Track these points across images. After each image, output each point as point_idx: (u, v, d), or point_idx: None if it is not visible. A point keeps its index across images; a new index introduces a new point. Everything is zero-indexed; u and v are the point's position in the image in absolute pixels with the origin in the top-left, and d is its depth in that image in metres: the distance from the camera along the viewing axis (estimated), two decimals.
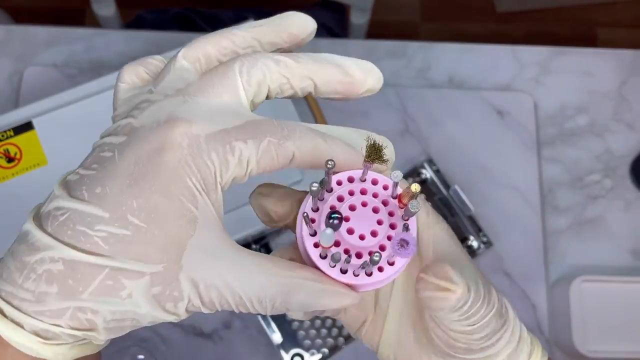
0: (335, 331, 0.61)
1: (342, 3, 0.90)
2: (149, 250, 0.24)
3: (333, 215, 0.25)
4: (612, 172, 0.70)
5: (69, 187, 0.26)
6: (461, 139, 0.69)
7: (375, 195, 0.27)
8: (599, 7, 1.46)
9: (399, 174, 0.25)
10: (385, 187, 0.27)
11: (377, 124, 0.69)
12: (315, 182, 0.25)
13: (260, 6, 0.97)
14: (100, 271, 0.24)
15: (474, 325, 0.28)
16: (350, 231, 0.26)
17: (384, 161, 0.25)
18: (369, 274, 0.27)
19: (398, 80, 0.72)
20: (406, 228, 0.26)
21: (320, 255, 0.27)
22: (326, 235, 0.24)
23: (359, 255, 0.26)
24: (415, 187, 0.25)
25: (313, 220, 0.27)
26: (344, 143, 0.27)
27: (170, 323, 0.68)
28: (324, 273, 0.27)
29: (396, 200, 0.27)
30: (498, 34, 1.45)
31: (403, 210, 0.26)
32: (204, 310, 0.25)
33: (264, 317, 0.61)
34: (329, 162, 0.25)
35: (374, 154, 0.25)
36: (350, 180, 0.27)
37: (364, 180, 0.27)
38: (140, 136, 0.25)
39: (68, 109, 0.51)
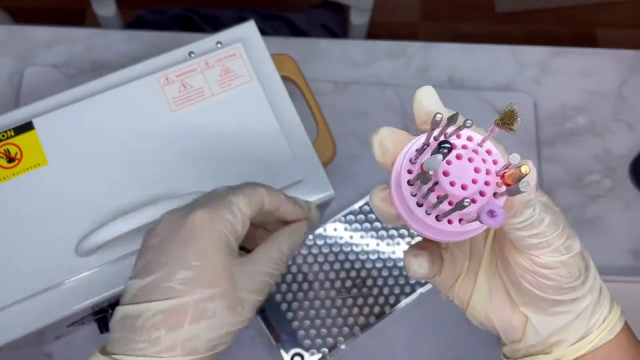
0: (335, 331, 0.62)
1: (342, 3, 0.90)
2: (211, 279, 0.36)
3: (444, 145, 0.26)
4: (612, 172, 0.70)
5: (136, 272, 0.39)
6: None
7: (483, 161, 0.28)
8: (599, 7, 1.46)
9: (517, 157, 0.26)
10: (494, 162, 0.29)
11: (377, 124, 0.69)
12: (440, 113, 0.27)
13: (260, 6, 0.98)
14: (188, 305, 0.35)
15: (562, 255, 0.31)
16: (445, 173, 0.27)
17: (512, 130, 0.27)
18: (462, 223, 0.28)
19: (398, 81, 0.72)
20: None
21: (418, 204, 0.28)
22: (435, 159, 0.26)
23: (451, 204, 0.28)
24: (526, 169, 0.26)
25: (410, 172, 0.29)
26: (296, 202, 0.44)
27: None
28: (416, 217, 0.28)
29: (499, 178, 0.28)
30: (498, 34, 1.45)
31: (505, 188, 0.27)
32: (260, 298, 0.38)
33: (264, 317, 0.61)
34: (438, 115, 0.27)
35: (508, 119, 0.26)
36: (469, 139, 0.29)
37: (481, 146, 0.29)
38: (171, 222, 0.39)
39: (68, 109, 0.51)
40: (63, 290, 0.48)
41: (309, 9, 0.96)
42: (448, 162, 0.28)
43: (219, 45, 0.55)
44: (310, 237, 0.64)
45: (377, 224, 0.65)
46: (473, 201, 0.27)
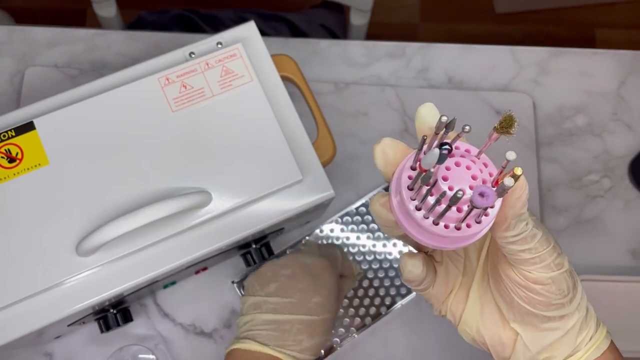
0: (332, 331, 0.62)
1: (342, 4, 0.90)
2: (332, 306, 0.55)
3: (444, 147, 0.27)
4: (611, 172, 0.70)
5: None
6: None
7: (480, 171, 0.29)
8: (598, 8, 1.47)
9: (513, 154, 0.27)
10: (490, 174, 0.30)
11: (376, 124, 0.70)
12: (445, 116, 0.28)
13: (260, 7, 0.98)
14: (320, 322, 0.53)
15: (552, 271, 0.32)
16: (444, 179, 0.28)
17: (510, 134, 0.28)
18: (458, 229, 0.29)
19: (397, 81, 0.72)
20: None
21: (416, 208, 0.29)
22: (432, 154, 0.26)
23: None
24: (518, 170, 0.27)
25: (410, 178, 0.30)
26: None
27: (171, 322, 0.68)
28: (415, 223, 0.29)
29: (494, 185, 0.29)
30: (497, 35, 1.45)
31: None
32: None
33: None
34: (444, 117, 0.28)
35: (506, 123, 0.27)
36: (467, 151, 0.30)
37: (479, 158, 0.30)
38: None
39: (69, 109, 0.51)
40: (63, 290, 0.48)
41: (309, 9, 0.96)
42: (447, 168, 0.29)
43: (220, 46, 0.55)
44: (307, 237, 0.64)
45: (373, 225, 0.65)
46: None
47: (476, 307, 0.36)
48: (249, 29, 0.56)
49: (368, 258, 0.64)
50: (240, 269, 0.62)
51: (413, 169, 0.30)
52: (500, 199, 0.29)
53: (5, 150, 0.50)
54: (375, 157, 0.32)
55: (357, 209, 0.65)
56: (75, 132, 0.51)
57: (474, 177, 0.29)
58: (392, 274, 0.63)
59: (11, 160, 0.50)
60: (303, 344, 0.50)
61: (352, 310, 0.62)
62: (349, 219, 0.65)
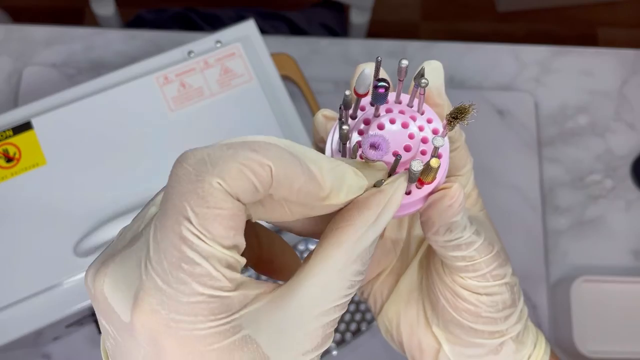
0: None
1: (342, 2, 0.90)
2: None
3: (381, 83, 0.23)
4: (613, 172, 0.70)
5: None
6: None
7: (420, 129, 0.26)
8: (600, 6, 1.46)
9: (440, 140, 0.23)
10: (434, 132, 0.26)
11: None
12: (405, 60, 0.24)
13: (260, 6, 0.97)
14: None
15: (487, 282, 0.27)
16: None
17: (463, 122, 0.23)
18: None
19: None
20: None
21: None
22: (363, 75, 0.22)
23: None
24: (434, 162, 0.23)
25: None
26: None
27: None
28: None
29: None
30: (498, 34, 1.45)
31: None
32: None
33: None
34: (404, 62, 0.24)
35: (459, 113, 0.23)
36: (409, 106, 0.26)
37: (421, 113, 0.26)
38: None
39: (67, 109, 0.51)
40: (63, 290, 0.48)
41: (309, 8, 0.96)
42: (380, 127, 0.25)
43: (219, 45, 0.55)
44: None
45: None
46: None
47: (401, 298, 0.32)
48: (249, 27, 0.56)
49: None
50: None
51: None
52: (438, 180, 0.25)
53: (3, 150, 0.49)
54: (314, 123, 0.29)
55: None
56: (73, 132, 0.50)
57: (410, 136, 0.25)
58: None
59: (9, 160, 0.49)
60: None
61: (348, 315, 0.61)
62: None
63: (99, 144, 0.50)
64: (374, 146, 0.23)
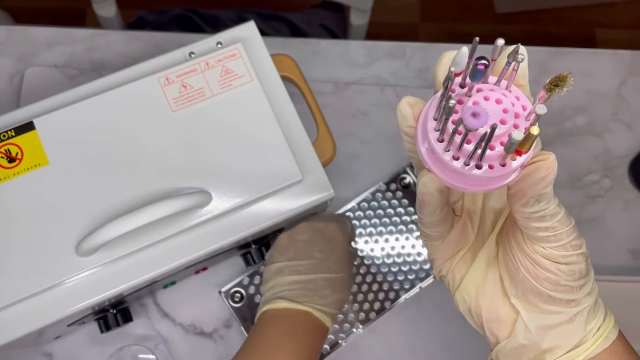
0: (335, 327, 0.62)
1: (341, 4, 0.90)
2: (349, 265, 0.56)
3: (481, 60, 0.26)
4: (611, 172, 0.70)
5: None
6: None
7: (512, 104, 0.27)
8: (598, 7, 1.46)
9: (543, 108, 0.25)
10: (524, 108, 0.28)
11: (377, 123, 0.70)
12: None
13: (260, 7, 0.98)
14: (342, 279, 0.55)
15: (567, 251, 0.30)
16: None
17: (562, 90, 0.26)
18: (479, 168, 0.27)
19: (397, 81, 0.72)
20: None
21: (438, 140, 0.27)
22: (461, 53, 0.25)
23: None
24: (534, 130, 0.25)
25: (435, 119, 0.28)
26: None
27: (171, 322, 0.68)
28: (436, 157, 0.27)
29: (527, 122, 0.27)
30: (497, 35, 1.44)
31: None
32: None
33: None
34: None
35: (560, 80, 0.25)
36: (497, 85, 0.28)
37: (510, 91, 0.28)
38: None
39: (69, 110, 0.51)
40: (63, 290, 0.48)
41: (309, 9, 0.96)
42: (475, 103, 0.27)
43: (219, 46, 0.55)
44: None
45: (375, 220, 0.65)
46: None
47: (479, 273, 0.34)
48: (249, 28, 0.56)
49: (371, 254, 0.64)
50: (239, 269, 0.62)
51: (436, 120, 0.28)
52: (530, 152, 0.27)
53: (5, 150, 0.50)
54: (400, 110, 0.30)
55: (358, 204, 0.65)
56: (75, 132, 0.51)
57: (505, 111, 0.27)
58: (395, 268, 0.64)
59: (11, 160, 0.50)
60: (328, 298, 0.52)
61: (356, 305, 0.62)
62: (351, 214, 0.65)
63: (101, 144, 0.51)
64: (474, 115, 0.25)
